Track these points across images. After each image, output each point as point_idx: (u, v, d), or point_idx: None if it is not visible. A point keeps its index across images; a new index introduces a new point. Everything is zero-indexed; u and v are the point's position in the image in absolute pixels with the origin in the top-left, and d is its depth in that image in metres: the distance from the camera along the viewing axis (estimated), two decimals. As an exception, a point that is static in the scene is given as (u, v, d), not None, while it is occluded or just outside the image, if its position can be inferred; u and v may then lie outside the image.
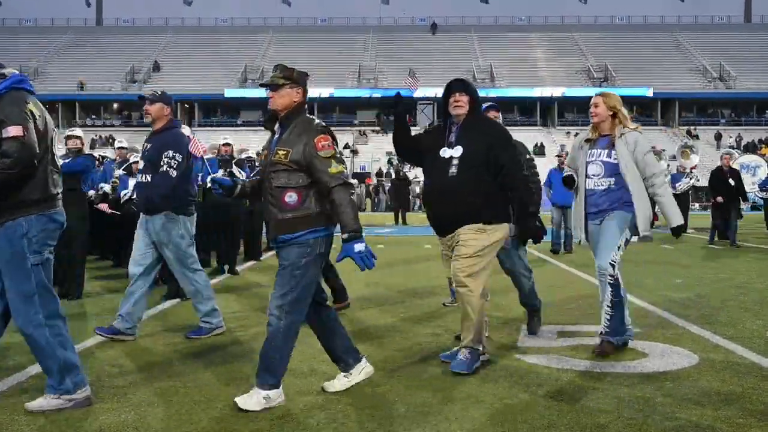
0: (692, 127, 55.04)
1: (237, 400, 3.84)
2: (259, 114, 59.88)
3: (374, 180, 45.36)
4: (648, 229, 5.04)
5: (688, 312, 6.68)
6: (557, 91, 56.53)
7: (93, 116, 59.03)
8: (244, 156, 12.00)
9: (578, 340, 5.50)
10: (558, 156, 14.20)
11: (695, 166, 21.51)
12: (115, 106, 60.06)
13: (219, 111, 60.83)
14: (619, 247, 5.01)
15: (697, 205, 39.01)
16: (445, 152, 4.70)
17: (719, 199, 14.70)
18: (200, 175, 9.44)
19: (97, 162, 10.12)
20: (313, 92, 56.35)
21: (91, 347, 5.34)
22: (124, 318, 5.59)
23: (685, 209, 19.05)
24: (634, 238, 5.14)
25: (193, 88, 57.09)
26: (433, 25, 67.73)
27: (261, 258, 11.87)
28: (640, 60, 60.09)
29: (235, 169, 10.05)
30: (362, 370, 4.21)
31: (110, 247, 11.49)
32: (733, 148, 37.66)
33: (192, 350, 5.28)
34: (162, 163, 5.54)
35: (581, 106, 59.32)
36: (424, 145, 4.90)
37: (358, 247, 3.77)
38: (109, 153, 15.52)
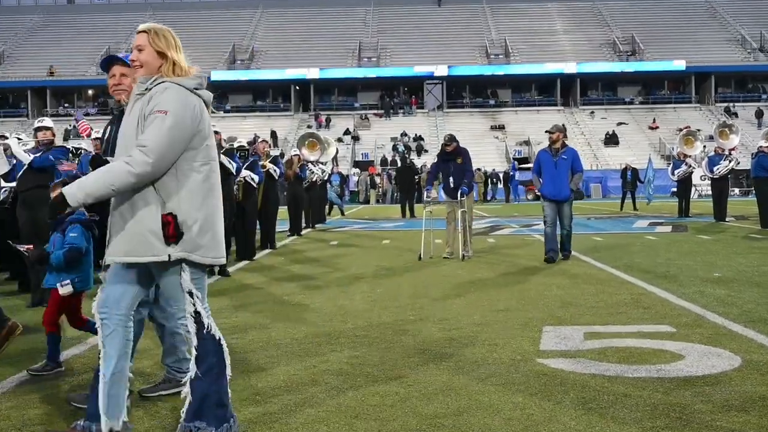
0: (731, 104, 54.93)
1: None
2: (249, 98, 60.03)
3: (378, 169, 45.47)
4: (147, 254, 3.33)
5: (728, 309, 6.67)
6: (579, 67, 56.39)
7: (66, 104, 59.17)
8: (236, 145, 11.98)
9: (607, 342, 5.49)
10: (549, 132, 11.07)
11: (735, 147, 21.47)
12: (90, 92, 60.17)
13: (205, 96, 60.87)
14: (191, 293, 3.45)
15: (737, 190, 38.98)
16: None
17: None
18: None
19: (71, 155, 10.13)
20: (310, 73, 56.56)
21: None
22: None
23: (724, 195, 19.05)
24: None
25: (176, 70, 57.12)
26: (439, -4, 67.60)
27: (254, 258, 11.93)
28: (671, 30, 59.92)
29: (224, 159, 10.01)
30: None
31: None
32: (777, 127, 37.55)
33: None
34: None
35: (606, 83, 59.35)
36: None
37: None
38: (84, 145, 15.52)
